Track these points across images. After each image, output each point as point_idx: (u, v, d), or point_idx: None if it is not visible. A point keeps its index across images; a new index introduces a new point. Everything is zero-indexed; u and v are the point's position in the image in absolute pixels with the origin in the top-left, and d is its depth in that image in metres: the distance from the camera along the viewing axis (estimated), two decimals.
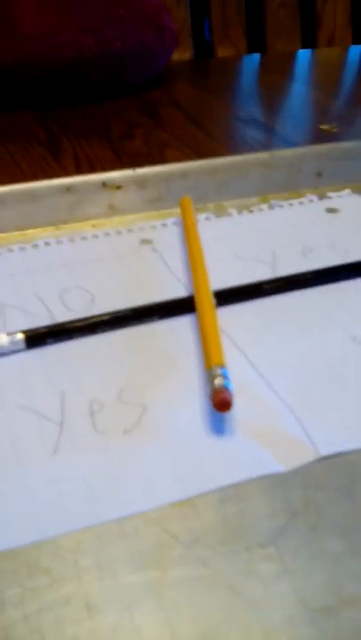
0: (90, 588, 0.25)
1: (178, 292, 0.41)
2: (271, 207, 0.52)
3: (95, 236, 0.48)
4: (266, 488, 0.28)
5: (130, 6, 0.75)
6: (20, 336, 0.36)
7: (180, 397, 0.33)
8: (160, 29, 0.77)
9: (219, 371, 0.32)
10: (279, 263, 0.44)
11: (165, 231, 0.49)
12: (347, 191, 0.55)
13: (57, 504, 0.28)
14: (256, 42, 1.05)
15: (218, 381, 0.31)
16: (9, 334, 0.36)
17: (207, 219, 0.51)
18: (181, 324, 0.38)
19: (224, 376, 0.31)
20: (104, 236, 0.48)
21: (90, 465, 0.29)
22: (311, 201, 0.53)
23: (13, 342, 0.36)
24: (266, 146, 0.61)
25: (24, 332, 0.37)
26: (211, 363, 0.32)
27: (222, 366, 0.32)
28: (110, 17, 0.72)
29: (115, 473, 0.29)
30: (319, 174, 0.56)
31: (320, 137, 0.61)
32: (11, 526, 0.27)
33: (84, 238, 0.48)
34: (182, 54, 0.99)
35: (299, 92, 0.83)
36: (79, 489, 0.28)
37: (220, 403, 0.30)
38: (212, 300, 0.38)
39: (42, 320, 0.39)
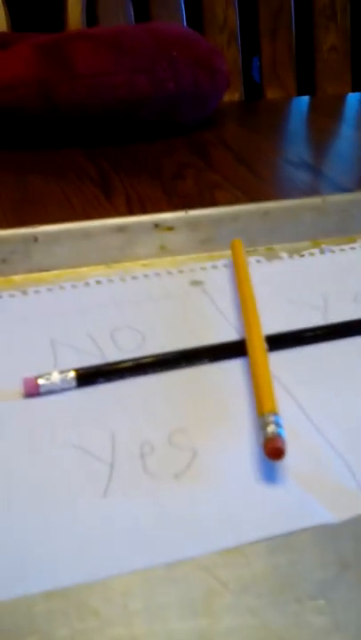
0: (139, 632, 0.25)
1: (228, 334, 0.42)
2: (323, 252, 0.52)
3: (146, 276, 0.49)
4: (317, 538, 0.28)
5: (183, 48, 0.76)
6: (72, 374, 0.37)
7: (231, 443, 0.33)
8: (212, 72, 0.78)
9: (272, 418, 0.32)
10: (330, 309, 0.44)
11: (216, 273, 0.49)
12: None
13: (107, 546, 0.28)
14: (306, 84, 1.06)
15: (271, 429, 0.31)
16: (61, 372, 0.37)
17: (258, 261, 0.51)
18: (232, 368, 0.38)
19: (277, 423, 0.31)
20: (155, 276, 0.49)
21: (140, 508, 0.29)
22: None
23: (65, 380, 0.36)
24: (315, 189, 0.62)
25: (76, 370, 0.37)
26: (263, 409, 0.32)
27: (275, 413, 0.32)
28: (163, 58, 0.74)
29: (165, 517, 0.29)
30: None
31: None
32: (61, 566, 0.27)
33: (134, 278, 0.48)
34: (232, 95, 1.00)
35: (348, 135, 0.83)
36: (129, 532, 0.28)
37: (274, 451, 0.30)
38: (264, 345, 0.38)
39: (93, 359, 0.39)
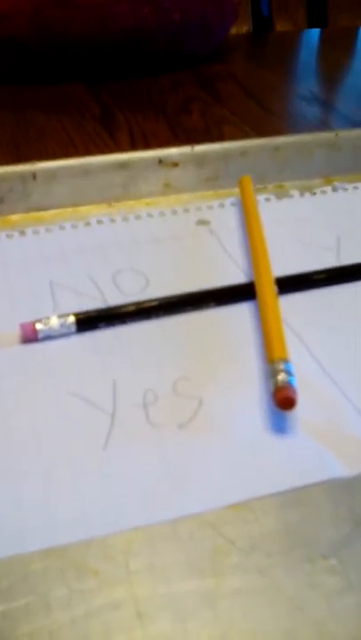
0: (141, 593, 0.23)
1: (235, 276, 0.40)
2: (335, 190, 0.50)
3: (150, 216, 0.46)
4: (329, 493, 0.27)
5: None
6: (72, 319, 0.35)
7: (239, 391, 0.31)
8: (219, 2, 0.74)
9: (282, 365, 0.30)
10: (343, 250, 0.42)
11: (223, 212, 0.47)
12: None
13: (107, 501, 0.26)
14: (317, 16, 1.02)
15: (281, 377, 0.29)
16: (60, 316, 0.35)
17: (267, 200, 0.48)
18: (240, 312, 0.36)
19: (288, 372, 0.29)
20: (159, 216, 0.46)
21: (142, 461, 0.28)
22: None
23: (64, 325, 0.35)
24: (328, 125, 0.59)
25: (75, 314, 0.35)
26: (273, 356, 0.31)
27: (286, 360, 0.30)
28: None
29: (168, 471, 0.27)
30: None
31: None
32: (59, 522, 0.25)
33: (137, 217, 0.46)
34: (240, 28, 0.96)
35: None
36: (131, 486, 0.27)
37: (284, 401, 0.28)
38: (274, 288, 0.36)
39: (93, 302, 0.38)
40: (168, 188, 0.50)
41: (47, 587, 0.23)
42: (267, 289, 0.36)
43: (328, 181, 0.51)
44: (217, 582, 0.24)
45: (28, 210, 0.48)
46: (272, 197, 0.49)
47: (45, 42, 0.68)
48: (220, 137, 0.54)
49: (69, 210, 0.48)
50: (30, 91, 0.67)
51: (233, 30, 0.86)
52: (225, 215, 0.46)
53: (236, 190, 0.48)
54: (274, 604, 0.23)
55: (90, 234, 0.44)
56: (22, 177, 0.47)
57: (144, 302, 0.36)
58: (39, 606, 0.23)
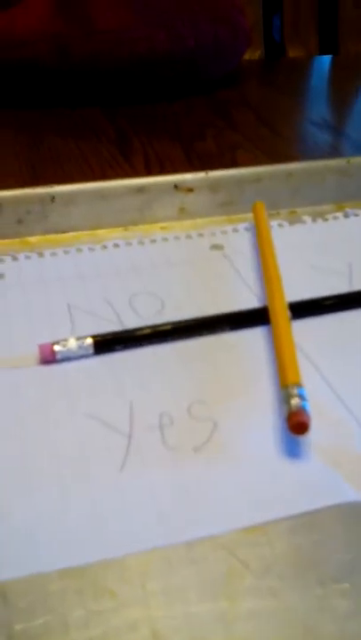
0: (157, 614, 0.24)
1: (249, 301, 0.40)
2: (347, 216, 0.50)
3: (165, 240, 0.47)
4: (342, 517, 0.27)
5: (203, 3, 0.73)
6: (90, 341, 0.35)
7: (253, 415, 0.32)
8: (233, 28, 0.75)
9: (295, 390, 0.30)
10: (355, 275, 0.43)
11: (237, 236, 0.48)
12: None
13: (124, 522, 0.27)
14: (328, 43, 1.03)
15: (295, 402, 0.30)
16: (78, 339, 0.35)
17: (280, 225, 0.49)
18: (253, 336, 0.37)
19: (301, 396, 0.30)
20: (174, 240, 0.47)
21: (158, 483, 0.28)
22: None
23: (82, 347, 0.35)
24: (339, 151, 0.60)
25: (93, 336, 0.36)
26: (287, 381, 0.31)
27: (299, 385, 0.31)
28: (183, 14, 0.71)
29: (184, 493, 0.28)
30: None
31: None
32: (76, 543, 0.26)
33: (153, 241, 0.47)
34: (252, 53, 0.97)
35: None
36: (147, 508, 0.27)
37: (298, 425, 0.29)
38: (287, 313, 0.37)
39: (110, 325, 0.38)
40: (183, 213, 0.50)
41: (65, 607, 0.24)
42: (280, 314, 0.36)
43: (340, 207, 0.52)
44: (231, 604, 0.24)
45: (46, 232, 0.48)
46: (285, 223, 0.50)
47: (63, 66, 0.69)
48: (234, 162, 0.55)
49: (87, 233, 0.49)
50: (48, 114, 0.68)
51: (246, 56, 0.87)
52: (239, 240, 0.47)
53: (250, 215, 0.49)
54: (287, 627, 0.23)
55: (106, 257, 0.45)
56: (41, 199, 0.48)
57: (160, 325, 0.37)
58: (57, 626, 0.23)
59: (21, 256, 0.45)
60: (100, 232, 0.49)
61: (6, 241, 0.47)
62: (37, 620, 0.23)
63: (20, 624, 0.23)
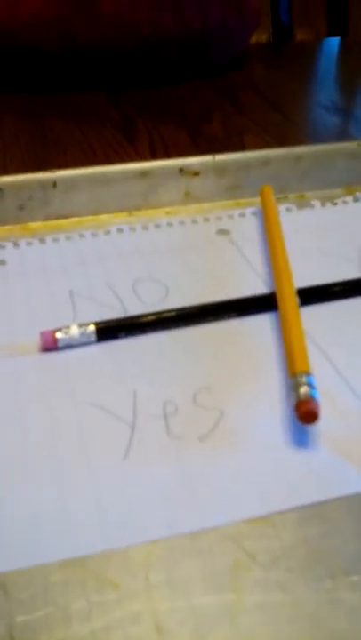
0: (160, 607, 0.23)
1: (256, 287, 0.39)
2: (357, 200, 0.49)
3: (170, 225, 0.46)
4: (351, 508, 0.26)
5: None
6: (92, 328, 0.35)
7: (260, 403, 0.31)
8: (241, 10, 0.74)
9: (304, 378, 0.30)
10: None
11: (244, 221, 0.47)
12: None
13: (127, 512, 0.26)
14: (337, 25, 1.01)
15: (303, 390, 0.29)
16: (80, 326, 0.35)
17: (288, 210, 0.48)
18: (261, 323, 0.36)
19: (310, 385, 0.29)
20: (179, 225, 0.46)
21: (163, 473, 0.28)
22: None
23: (84, 334, 0.35)
24: (349, 134, 0.59)
25: (96, 324, 0.35)
26: (296, 369, 0.30)
27: (308, 373, 0.30)
28: None
29: (189, 483, 0.27)
30: None
31: None
32: (78, 533, 0.25)
33: (157, 226, 0.46)
34: (260, 36, 0.96)
35: None
36: (150, 498, 0.27)
37: (307, 414, 0.28)
38: (296, 299, 0.36)
39: (113, 311, 0.37)
40: (188, 198, 0.50)
41: (67, 598, 0.23)
42: (288, 300, 0.36)
43: (350, 191, 0.51)
44: (237, 597, 0.23)
45: (48, 217, 0.48)
46: (293, 207, 0.49)
47: (66, 50, 0.68)
48: (241, 146, 0.54)
49: (89, 218, 0.48)
50: (51, 99, 0.67)
51: (253, 39, 0.86)
52: (246, 225, 0.46)
53: (257, 200, 0.48)
54: (294, 620, 0.23)
55: (110, 242, 0.44)
56: (42, 185, 0.47)
57: (164, 312, 0.36)
58: (59, 618, 0.23)
59: (23, 242, 0.44)
60: (103, 217, 0.48)
61: (8, 227, 0.47)
62: (39, 611, 0.23)
63: (22, 616, 0.23)
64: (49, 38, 0.68)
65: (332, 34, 1.00)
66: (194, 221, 0.47)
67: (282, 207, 0.48)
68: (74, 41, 0.68)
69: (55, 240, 0.45)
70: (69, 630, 0.22)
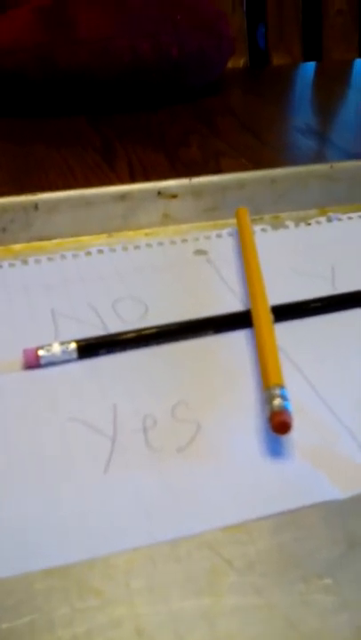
0: (141, 611, 0.24)
1: (233, 305, 0.41)
2: (330, 220, 0.51)
3: (149, 245, 0.47)
4: (323, 515, 0.27)
5: (187, 12, 0.74)
6: (73, 346, 0.36)
7: (236, 416, 0.32)
8: (217, 37, 0.76)
9: (278, 391, 0.31)
10: (338, 279, 0.43)
11: (220, 242, 0.48)
12: None
13: (108, 522, 0.27)
14: (312, 49, 1.03)
15: (277, 402, 0.30)
16: (62, 343, 0.36)
17: (263, 230, 0.50)
18: (237, 339, 0.37)
19: (283, 397, 0.30)
20: (158, 246, 0.48)
21: (142, 483, 0.29)
22: None
23: (66, 352, 0.36)
24: (323, 156, 0.60)
25: (77, 341, 0.36)
26: (269, 382, 0.32)
27: (281, 386, 0.31)
28: (167, 22, 0.72)
29: (167, 493, 0.28)
30: None
31: None
32: (61, 542, 0.26)
33: (137, 247, 0.47)
34: (237, 61, 0.98)
35: (356, 101, 0.82)
36: (131, 507, 0.27)
37: (280, 425, 0.29)
38: (270, 316, 0.37)
39: (94, 329, 0.38)
40: (167, 219, 0.51)
41: (51, 605, 0.24)
42: (262, 316, 0.37)
43: (323, 212, 0.52)
44: (215, 601, 0.24)
45: (31, 239, 0.49)
46: (268, 228, 0.50)
47: (47, 75, 0.69)
48: (218, 169, 0.55)
49: (71, 240, 0.49)
50: (32, 123, 0.68)
51: (230, 64, 0.88)
52: (222, 245, 0.48)
53: (234, 221, 0.49)
54: (269, 622, 0.24)
55: (91, 263, 0.45)
56: (24, 207, 0.48)
57: (143, 330, 0.37)
58: (43, 624, 0.23)
59: (5, 264, 0.45)
60: (84, 239, 0.49)
61: None
62: (23, 618, 0.24)
63: (6, 623, 0.23)
64: (30, 64, 0.69)
65: (307, 58, 1.02)
66: (172, 242, 0.48)
67: (257, 228, 0.50)
68: (54, 66, 0.69)
69: (37, 261, 0.45)
70: (53, 636, 0.23)
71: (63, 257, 0.46)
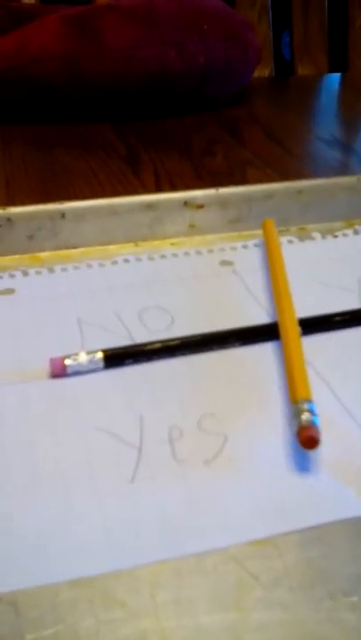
0: (166, 625, 0.24)
1: (259, 316, 0.41)
2: (357, 232, 0.51)
3: (175, 255, 0.48)
4: (351, 531, 0.27)
5: (214, 22, 0.74)
6: (100, 355, 0.36)
7: (263, 429, 0.32)
8: (244, 46, 0.76)
9: (306, 405, 0.31)
10: None
11: (246, 253, 0.48)
12: None
13: (134, 534, 0.27)
14: (337, 60, 1.03)
15: (305, 417, 0.30)
16: (88, 353, 0.36)
17: (290, 242, 0.49)
18: (263, 351, 0.37)
19: (311, 411, 0.30)
20: (184, 256, 0.48)
21: (168, 495, 0.28)
22: None
23: (92, 361, 0.36)
24: (348, 168, 0.60)
25: (104, 351, 0.36)
26: (297, 396, 0.31)
27: (309, 400, 0.31)
28: (194, 32, 0.72)
29: (194, 505, 0.28)
30: None
31: None
32: (87, 553, 0.26)
33: (163, 257, 0.47)
34: (262, 71, 0.98)
35: None
36: (157, 519, 0.27)
37: (308, 440, 0.29)
38: (298, 329, 0.37)
39: (120, 339, 0.38)
40: (193, 229, 0.51)
41: (75, 617, 0.24)
42: (290, 329, 0.37)
43: (350, 224, 0.52)
44: (241, 616, 0.24)
45: (57, 248, 0.49)
46: (295, 239, 0.50)
47: (74, 84, 0.70)
48: (244, 179, 0.55)
49: (97, 248, 0.49)
50: (58, 131, 0.68)
51: (255, 74, 0.88)
52: (248, 256, 0.47)
53: (260, 232, 0.49)
54: (296, 639, 0.23)
55: (117, 272, 0.46)
56: (51, 215, 0.48)
57: (170, 340, 0.37)
58: (68, 636, 0.23)
59: (32, 271, 0.45)
60: (111, 248, 0.49)
61: (17, 256, 0.48)
62: (48, 629, 0.24)
63: (31, 634, 0.23)
64: (57, 72, 0.69)
65: (333, 69, 1.02)
66: (198, 252, 0.48)
67: (284, 239, 0.50)
68: (82, 75, 0.69)
69: (64, 269, 0.46)
70: None
71: (89, 266, 0.46)
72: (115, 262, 0.47)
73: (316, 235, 0.51)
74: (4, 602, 0.24)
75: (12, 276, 0.45)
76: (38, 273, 0.45)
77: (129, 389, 0.35)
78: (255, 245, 0.49)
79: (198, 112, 0.75)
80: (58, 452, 0.31)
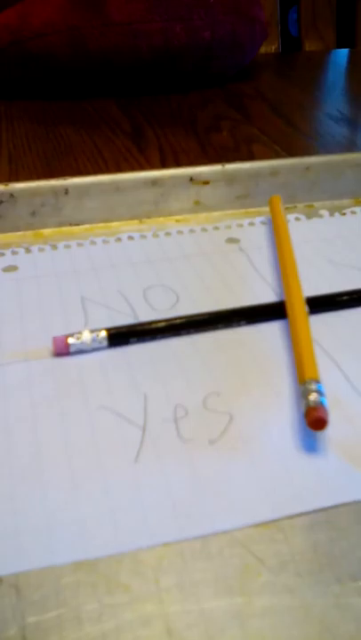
0: (171, 610, 0.23)
1: (265, 295, 0.40)
2: None
3: (180, 232, 0.47)
4: (359, 514, 0.27)
5: None
6: (104, 334, 0.35)
7: (270, 409, 0.31)
8: (250, 21, 0.75)
9: (314, 385, 0.30)
10: None
11: (253, 230, 0.47)
12: None
13: (138, 516, 0.26)
14: (345, 36, 1.02)
15: (313, 397, 0.29)
16: (92, 331, 0.35)
17: (297, 219, 0.49)
18: (270, 330, 0.37)
19: (319, 392, 0.30)
20: (189, 233, 0.47)
21: (173, 475, 0.28)
22: None
23: (96, 340, 0.35)
24: (356, 144, 0.59)
25: (107, 329, 0.35)
26: (305, 376, 0.31)
27: (317, 381, 0.30)
28: (200, 6, 0.71)
29: (199, 487, 0.27)
30: None
31: None
32: (90, 536, 0.26)
33: (168, 234, 0.47)
34: (268, 46, 0.97)
35: None
36: (161, 501, 0.27)
37: (316, 421, 0.28)
38: (305, 308, 0.36)
39: (125, 318, 0.38)
40: (198, 206, 0.50)
41: (78, 600, 0.23)
42: (298, 308, 0.36)
43: (358, 202, 0.51)
44: (246, 600, 0.24)
45: (60, 224, 0.48)
46: (302, 217, 0.49)
47: (78, 58, 0.69)
48: (250, 155, 0.54)
49: (101, 225, 0.48)
50: (62, 106, 0.67)
51: (262, 49, 0.87)
52: (255, 233, 0.47)
53: (266, 209, 0.48)
54: (303, 624, 0.23)
55: (121, 249, 0.45)
56: (55, 192, 0.48)
57: (175, 319, 0.37)
58: (70, 619, 0.23)
59: (35, 248, 0.45)
60: (114, 224, 0.49)
61: (20, 233, 0.47)
62: (50, 612, 0.23)
63: (34, 617, 0.23)
64: (61, 46, 0.68)
65: (340, 45, 1.01)
66: (204, 229, 0.47)
67: (291, 216, 0.49)
68: (85, 49, 0.68)
69: (67, 246, 0.45)
70: (80, 631, 0.23)
71: (93, 242, 0.45)
72: (119, 239, 0.46)
73: (324, 212, 0.50)
74: (5, 584, 0.24)
75: (14, 252, 0.44)
76: (41, 250, 0.45)
77: (133, 368, 0.34)
78: (262, 222, 0.48)
79: (204, 88, 0.74)
80: (61, 431, 0.30)
